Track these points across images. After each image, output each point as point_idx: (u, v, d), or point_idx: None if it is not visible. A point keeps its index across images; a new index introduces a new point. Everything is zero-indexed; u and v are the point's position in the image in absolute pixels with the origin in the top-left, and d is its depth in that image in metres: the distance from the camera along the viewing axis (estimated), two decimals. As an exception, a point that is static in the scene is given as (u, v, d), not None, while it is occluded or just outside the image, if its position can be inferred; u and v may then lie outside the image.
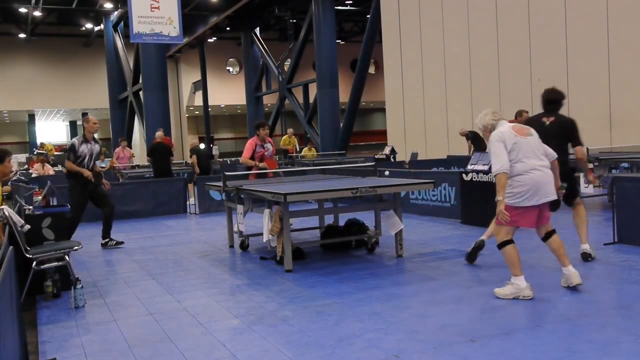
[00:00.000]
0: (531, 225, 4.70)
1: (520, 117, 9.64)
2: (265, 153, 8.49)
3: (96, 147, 7.89)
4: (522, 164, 4.55)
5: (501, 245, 4.68)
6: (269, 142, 8.67)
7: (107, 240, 8.05)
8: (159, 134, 13.46)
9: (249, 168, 8.52)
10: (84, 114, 43.22)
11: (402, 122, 18.35)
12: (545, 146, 4.78)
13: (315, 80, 24.21)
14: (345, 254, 6.65)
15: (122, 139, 18.11)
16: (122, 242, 8.12)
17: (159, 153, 12.87)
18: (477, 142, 13.60)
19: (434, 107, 16.85)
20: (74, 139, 7.86)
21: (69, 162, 7.70)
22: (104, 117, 41.49)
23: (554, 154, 4.80)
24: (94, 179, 7.79)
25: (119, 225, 10.26)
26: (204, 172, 13.46)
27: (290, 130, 20.48)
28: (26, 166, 23.05)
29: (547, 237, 4.78)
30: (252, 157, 8.39)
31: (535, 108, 13.21)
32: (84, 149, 7.70)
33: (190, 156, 14.40)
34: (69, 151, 7.75)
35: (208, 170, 13.93)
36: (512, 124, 4.78)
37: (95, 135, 8.05)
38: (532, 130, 4.78)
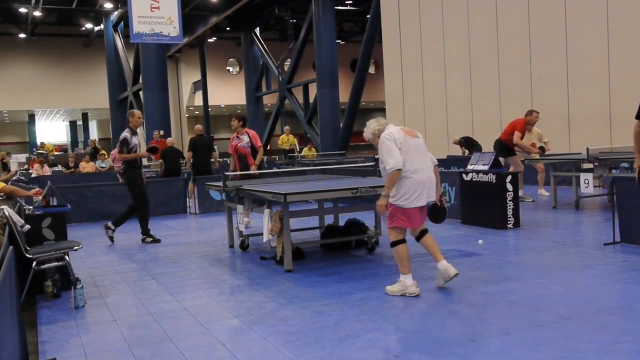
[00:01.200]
0: (417, 225, 4.87)
1: (530, 116, 9.90)
2: (239, 144, 8.76)
3: (139, 139, 8.25)
4: (408, 164, 4.71)
5: (393, 244, 4.85)
6: (247, 133, 8.87)
7: (112, 229, 8.30)
8: (170, 139, 13.65)
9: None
10: (85, 114, 43.38)
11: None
12: (429, 153, 4.98)
13: (315, 80, 24.21)
14: (345, 254, 6.65)
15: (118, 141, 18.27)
16: (159, 240, 8.29)
17: (171, 157, 12.96)
18: (470, 145, 13.68)
19: (434, 107, 16.85)
20: (125, 132, 8.05)
21: (123, 154, 7.96)
22: (104, 117, 41.67)
23: (435, 161, 4.99)
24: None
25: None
26: (197, 170, 11.76)
27: (287, 128, 20.36)
28: (26, 166, 23.06)
29: (421, 236, 4.96)
30: (234, 150, 8.84)
31: (535, 107, 13.27)
32: (134, 140, 7.99)
33: (188, 150, 12.67)
34: (122, 144, 7.96)
35: (205, 169, 11.88)
36: (400, 126, 4.96)
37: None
38: (419, 134, 4.99)
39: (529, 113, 10.10)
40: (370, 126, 5.00)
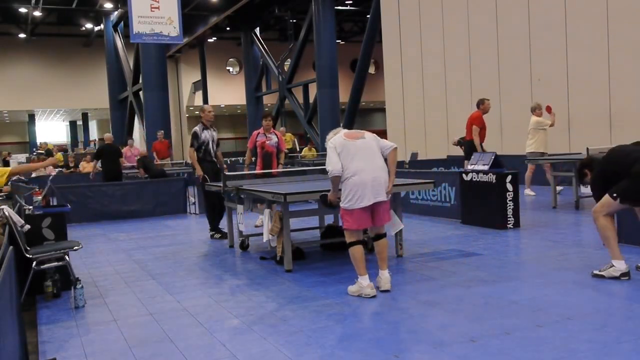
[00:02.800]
0: (366, 225, 4.95)
1: (482, 105, 9.82)
2: (267, 142, 8.87)
3: (214, 134, 8.33)
4: (348, 167, 4.81)
5: (348, 246, 4.95)
6: (275, 134, 9.06)
7: (213, 232, 8.37)
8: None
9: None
10: (85, 114, 43.33)
11: (402, 122, 18.35)
12: (383, 141, 5.02)
13: (315, 80, 24.20)
14: (345, 254, 6.62)
15: (129, 138, 18.30)
16: (226, 236, 8.22)
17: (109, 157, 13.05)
18: (468, 145, 13.65)
19: (434, 107, 16.84)
20: (196, 127, 8.31)
21: (192, 149, 8.18)
22: (104, 117, 41.67)
23: (390, 145, 4.99)
24: (216, 166, 8.30)
25: (120, 225, 10.29)
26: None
27: (282, 129, 20.36)
28: (26, 166, 22.96)
29: (375, 238, 5.05)
30: (255, 146, 8.92)
31: (536, 108, 13.15)
32: (205, 135, 8.19)
33: (138, 167, 13.67)
34: (192, 138, 8.20)
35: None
36: (345, 130, 5.11)
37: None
38: (367, 134, 5.05)
39: (480, 102, 9.94)
40: (328, 137, 5.17)
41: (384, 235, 5.07)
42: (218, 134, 8.52)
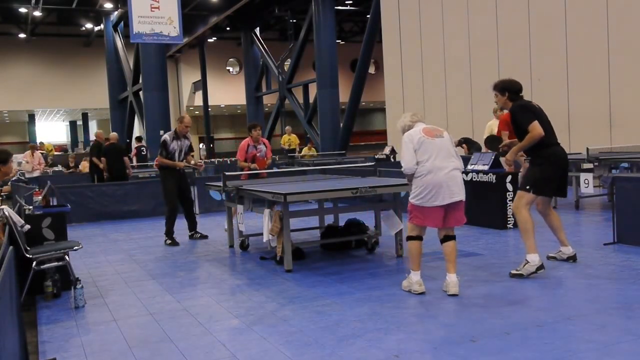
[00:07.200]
0: (437, 225, 4.82)
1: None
2: (257, 154, 8.60)
3: (186, 143, 8.21)
4: (424, 165, 4.72)
5: (408, 239, 4.91)
6: (264, 143, 8.73)
7: (192, 232, 8.38)
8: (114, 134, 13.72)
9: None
10: (85, 114, 43.32)
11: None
12: (456, 150, 4.94)
13: (315, 80, 24.20)
14: (345, 254, 6.65)
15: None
16: (206, 236, 8.33)
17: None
18: (470, 145, 13.64)
19: (434, 107, 16.84)
20: (166, 135, 8.19)
21: (160, 157, 8.09)
22: (104, 117, 41.68)
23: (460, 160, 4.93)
24: (183, 171, 8.27)
25: (120, 225, 10.29)
26: (116, 177, 12.41)
27: (288, 129, 20.36)
28: (26, 166, 22.97)
29: (444, 240, 4.90)
30: (245, 158, 8.58)
31: (535, 108, 13.13)
32: (174, 145, 8.06)
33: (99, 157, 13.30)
34: (161, 147, 8.10)
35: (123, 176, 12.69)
36: (425, 125, 4.95)
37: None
38: (445, 133, 4.93)
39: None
40: (404, 119, 5.07)
41: (453, 237, 4.87)
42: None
